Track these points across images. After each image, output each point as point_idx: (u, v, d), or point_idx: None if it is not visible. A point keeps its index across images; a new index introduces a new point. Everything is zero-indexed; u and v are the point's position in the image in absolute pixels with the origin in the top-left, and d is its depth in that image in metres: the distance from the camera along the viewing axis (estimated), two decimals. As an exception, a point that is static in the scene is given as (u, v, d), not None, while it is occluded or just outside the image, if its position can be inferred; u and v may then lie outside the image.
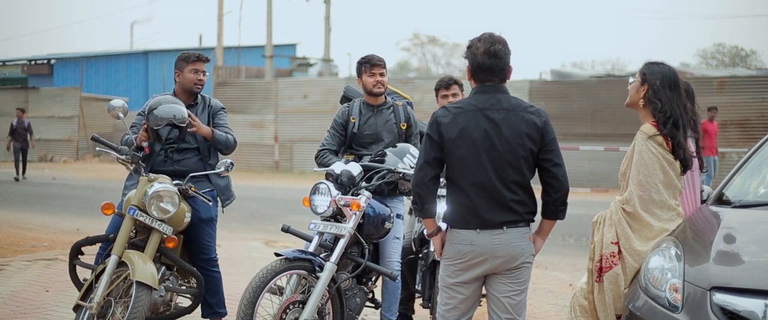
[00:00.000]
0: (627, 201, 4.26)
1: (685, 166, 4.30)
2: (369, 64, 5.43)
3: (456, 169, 3.80)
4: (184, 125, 5.16)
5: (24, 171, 20.55)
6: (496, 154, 3.76)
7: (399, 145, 5.31)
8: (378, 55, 5.47)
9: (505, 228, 3.79)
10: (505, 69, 3.86)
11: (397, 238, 5.36)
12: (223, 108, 5.64)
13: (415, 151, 5.20)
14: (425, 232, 4.02)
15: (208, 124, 5.44)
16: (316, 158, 5.48)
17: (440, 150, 3.80)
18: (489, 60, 3.82)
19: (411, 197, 4.00)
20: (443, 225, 3.95)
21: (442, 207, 4.07)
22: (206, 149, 5.44)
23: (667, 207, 4.26)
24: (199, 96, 5.50)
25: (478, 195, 3.77)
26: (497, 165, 3.76)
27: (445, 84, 5.93)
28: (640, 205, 4.23)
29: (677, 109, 4.28)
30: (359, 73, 5.50)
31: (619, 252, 4.25)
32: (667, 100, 4.27)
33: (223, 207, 5.54)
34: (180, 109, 5.14)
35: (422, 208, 3.84)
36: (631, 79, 4.46)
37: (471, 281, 3.87)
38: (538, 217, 3.98)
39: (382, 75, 5.45)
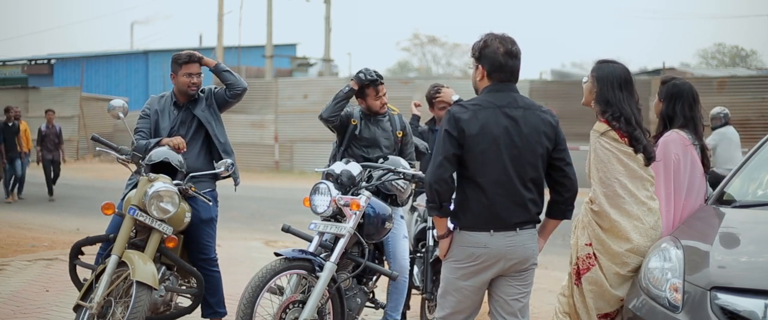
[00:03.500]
0: (592, 200, 4.30)
1: (649, 158, 4.32)
2: (373, 87, 5.48)
3: (476, 166, 3.75)
4: (183, 170, 5.20)
5: (51, 189, 15.89)
6: (516, 150, 3.75)
7: (391, 157, 5.37)
8: (378, 76, 5.51)
9: (517, 229, 3.78)
10: (520, 69, 3.88)
11: (405, 237, 5.40)
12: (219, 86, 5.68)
13: (407, 164, 5.27)
14: (435, 233, 3.98)
15: (211, 107, 5.51)
16: (321, 113, 5.58)
17: (460, 146, 3.74)
18: (511, 60, 3.82)
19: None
20: (450, 226, 3.92)
21: None
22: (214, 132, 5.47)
23: (637, 201, 4.26)
24: (198, 93, 5.50)
25: (496, 193, 3.74)
26: (516, 163, 3.75)
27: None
28: (607, 202, 4.24)
29: (627, 107, 4.29)
30: (362, 95, 5.53)
31: (595, 254, 4.26)
32: (615, 100, 4.29)
33: (236, 184, 5.59)
34: (174, 156, 5.17)
35: (441, 207, 3.77)
36: (584, 79, 4.48)
37: (482, 284, 3.85)
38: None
39: (384, 94, 5.55)
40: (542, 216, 3.98)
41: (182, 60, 5.43)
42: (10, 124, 15.39)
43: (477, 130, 3.73)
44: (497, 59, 3.81)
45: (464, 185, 3.81)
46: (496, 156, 3.73)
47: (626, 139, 4.25)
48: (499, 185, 3.74)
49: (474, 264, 3.79)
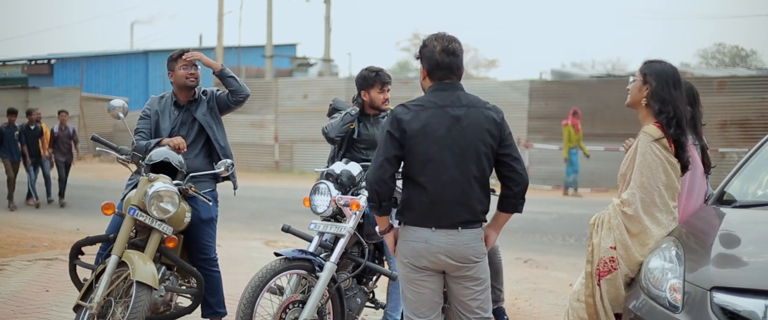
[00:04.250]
0: (628, 203, 4.23)
1: (685, 168, 4.30)
2: (381, 82, 5.49)
3: (418, 166, 3.79)
4: (183, 170, 5.20)
5: (62, 193, 15.05)
6: (458, 149, 3.78)
7: None
8: (387, 72, 5.57)
9: (460, 229, 3.81)
10: (461, 67, 3.92)
11: None
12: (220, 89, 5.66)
13: None
14: (377, 230, 4.00)
15: (211, 108, 5.49)
16: (327, 131, 5.54)
17: (401, 147, 3.78)
18: (448, 58, 3.86)
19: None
20: (395, 223, 3.97)
21: None
22: (212, 144, 5.46)
23: (667, 210, 4.25)
24: (196, 91, 5.50)
25: (438, 192, 3.78)
26: (460, 162, 3.78)
27: None
28: (642, 208, 4.21)
29: (680, 108, 4.26)
30: (367, 86, 5.52)
31: (617, 258, 4.23)
32: (670, 98, 4.25)
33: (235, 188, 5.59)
34: (174, 156, 5.17)
35: (380, 206, 3.82)
36: (631, 79, 4.43)
37: (431, 274, 3.88)
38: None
39: (388, 91, 5.57)
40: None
41: (176, 55, 5.45)
42: (33, 127, 14.80)
43: (419, 131, 3.77)
44: (434, 58, 3.87)
45: (408, 184, 3.86)
46: (439, 156, 3.77)
47: (673, 147, 4.23)
48: (441, 185, 3.78)
49: (417, 257, 3.84)
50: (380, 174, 3.76)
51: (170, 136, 5.37)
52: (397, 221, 3.92)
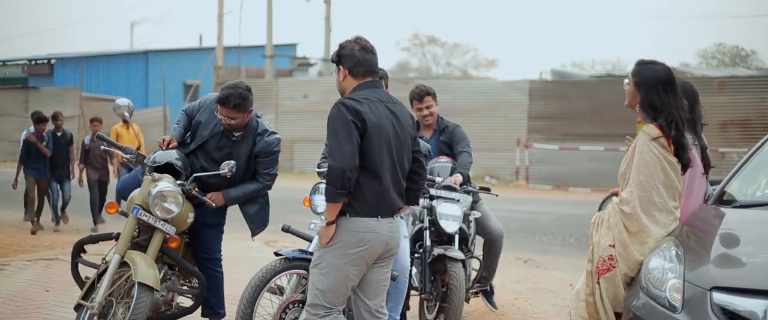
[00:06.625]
0: (626, 201, 4.24)
1: (685, 167, 4.31)
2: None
3: (374, 156, 3.92)
4: (185, 171, 5.21)
5: (99, 212, 12.05)
6: (398, 143, 4.01)
7: None
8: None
9: (395, 216, 4.05)
10: (378, 66, 4.12)
11: (406, 237, 5.38)
12: (274, 153, 5.44)
13: None
14: (325, 220, 4.02)
15: (250, 154, 5.27)
16: (318, 167, 5.49)
17: (361, 136, 3.90)
18: (368, 55, 4.05)
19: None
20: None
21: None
22: (238, 179, 5.31)
23: (666, 210, 4.26)
24: (251, 122, 5.26)
25: (388, 181, 3.97)
26: (398, 154, 4.02)
27: (419, 96, 6.15)
28: (640, 206, 4.23)
29: (675, 111, 4.25)
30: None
31: (615, 256, 4.24)
32: (662, 104, 4.25)
33: (252, 235, 5.47)
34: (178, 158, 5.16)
35: (349, 192, 3.88)
36: (625, 81, 4.44)
37: (363, 268, 4.02)
38: None
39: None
40: None
41: (217, 99, 5.12)
42: (59, 134, 11.96)
43: (376, 123, 3.93)
44: (355, 55, 4.02)
45: (359, 174, 3.91)
46: (387, 147, 3.96)
47: (673, 147, 4.23)
48: (390, 174, 3.98)
49: (363, 248, 3.95)
50: (352, 161, 3.82)
51: (203, 144, 5.24)
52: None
